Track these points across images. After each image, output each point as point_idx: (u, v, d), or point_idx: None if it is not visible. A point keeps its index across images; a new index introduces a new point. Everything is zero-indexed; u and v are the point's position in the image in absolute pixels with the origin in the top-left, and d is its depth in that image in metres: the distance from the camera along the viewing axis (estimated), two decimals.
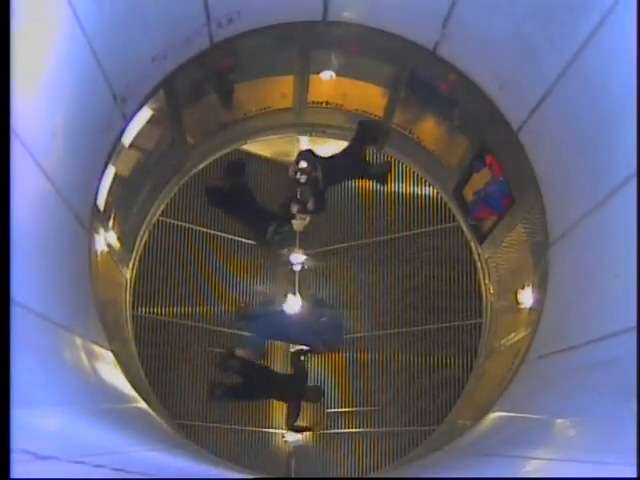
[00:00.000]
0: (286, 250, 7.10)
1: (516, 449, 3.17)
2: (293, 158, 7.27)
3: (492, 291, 5.95)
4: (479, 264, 6.11)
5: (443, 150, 6.00)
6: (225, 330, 6.79)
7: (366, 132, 6.19)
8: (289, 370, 6.61)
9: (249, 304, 6.88)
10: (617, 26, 2.84)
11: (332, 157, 6.37)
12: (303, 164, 6.18)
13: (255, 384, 6.24)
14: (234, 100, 5.93)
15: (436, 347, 6.66)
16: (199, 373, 6.67)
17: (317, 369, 7.05)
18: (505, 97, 4.35)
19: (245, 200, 6.49)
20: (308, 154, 6.33)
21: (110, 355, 4.08)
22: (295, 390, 6.34)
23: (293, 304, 7.01)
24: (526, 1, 3.45)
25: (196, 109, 5.58)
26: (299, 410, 6.37)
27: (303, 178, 6.21)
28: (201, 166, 6.35)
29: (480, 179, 5.52)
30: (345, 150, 6.36)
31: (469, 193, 5.86)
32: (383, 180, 6.81)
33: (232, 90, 5.80)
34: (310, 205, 6.47)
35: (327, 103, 6.15)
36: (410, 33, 4.58)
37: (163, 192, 6.09)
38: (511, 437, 3.65)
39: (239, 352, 6.32)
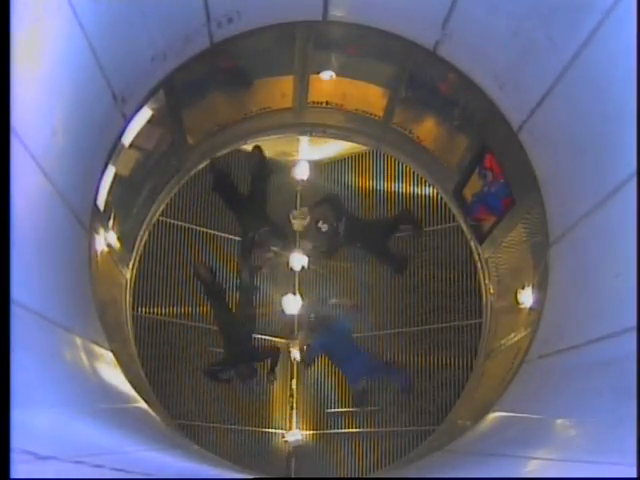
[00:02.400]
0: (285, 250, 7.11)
1: (516, 449, 3.17)
2: (293, 158, 7.32)
3: (492, 291, 5.95)
4: (479, 264, 6.10)
5: (443, 150, 6.00)
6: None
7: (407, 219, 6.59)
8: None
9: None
10: (617, 26, 2.84)
11: (358, 219, 6.64)
12: (322, 224, 6.39)
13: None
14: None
15: (436, 347, 6.66)
16: (199, 373, 6.67)
17: (317, 369, 7.05)
18: (505, 97, 4.34)
19: (257, 201, 6.51)
20: (334, 201, 6.57)
21: (110, 355, 4.07)
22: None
23: (293, 304, 7.02)
24: (526, 1, 3.45)
25: (196, 109, 5.58)
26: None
27: (324, 227, 6.37)
28: (201, 166, 6.35)
29: (483, 181, 5.52)
30: (376, 223, 6.71)
31: (469, 193, 5.85)
32: (397, 271, 6.85)
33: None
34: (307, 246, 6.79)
35: (327, 103, 6.15)
36: (410, 33, 4.58)
37: (163, 192, 6.08)
38: (511, 437, 3.65)
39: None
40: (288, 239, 6.90)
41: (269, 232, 6.57)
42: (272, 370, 6.59)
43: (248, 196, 6.63)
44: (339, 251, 6.92)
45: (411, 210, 6.80)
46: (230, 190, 6.60)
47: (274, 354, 6.62)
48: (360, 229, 6.62)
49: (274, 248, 6.82)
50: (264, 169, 6.61)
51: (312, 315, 6.56)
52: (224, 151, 6.44)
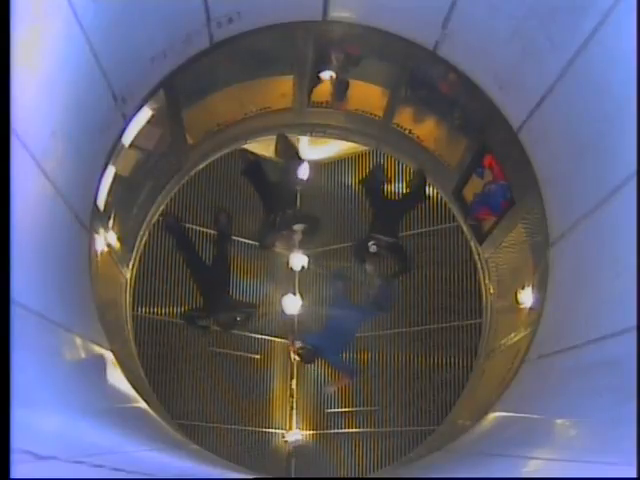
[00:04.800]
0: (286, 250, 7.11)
1: (516, 449, 3.17)
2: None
3: (492, 291, 5.95)
4: (479, 264, 6.10)
5: (443, 150, 6.00)
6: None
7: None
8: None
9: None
10: (617, 26, 2.84)
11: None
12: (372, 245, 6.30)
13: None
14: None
15: (436, 347, 6.67)
16: (199, 373, 6.67)
17: (317, 369, 7.05)
18: (505, 97, 4.34)
19: (285, 185, 6.55)
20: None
21: (110, 355, 4.07)
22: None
23: (293, 304, 7.03)
24: (526, 1, 3.45)
25: (196, 109, 5.59)
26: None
27: (374, 249, 6.30)
28: (201, 166, 6.35)
29: (480, 180, 5.52)
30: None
31: (469, 193, 5.86)
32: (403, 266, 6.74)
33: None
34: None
35: (327, 103, 6.15)
36: (410, 33, 4.58)
37: (163, 192, 6.08)
38: (511, 437, 3.65)
39: None
40: (315, 223, 6.82)
41: (293, 215, 6.55)
42: (243, 324, 6.51)
43: (277, 181, 6.58)
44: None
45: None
46: (260, 174, 6.55)
47: (250, 309, 6.54)
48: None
49: (298, 227, 6.71)
50: (290, 151, 6.61)
51: (300, 345, 6.32)
52: (224, 151, 6.44)
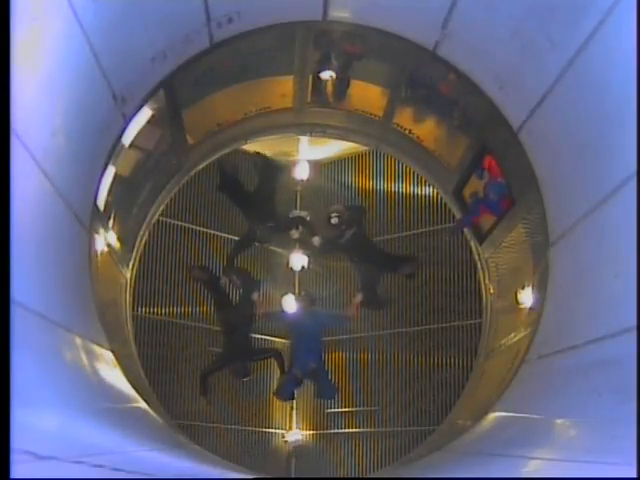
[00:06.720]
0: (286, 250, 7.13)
1: (516, 449, 3.17)
2: (293, 158, 7.33)
3: (492, 291, 5.95)
4: (479, 264, 6.10)
5: (443, 150, 6.00)
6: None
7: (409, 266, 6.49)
8: None
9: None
10: (617, 26, 2.84)
11: (366, 238, 6.59)
12: (335, 220, 6.39)
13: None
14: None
15: (436, 347, 6.67)
16: (199, 373, 6.67)
17: None
18: (505, 97, 4.34)
19: (263, 197, 6.55)
20: (357, 211, 6.59)
21: (110, 355, 4.07)
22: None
23: (293, 304, 7.01)
24: (526, 1, 3.45)
25: (196, 109, 5.59)
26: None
27: (335, 221, 6.38)
28: (201, 166, 6.35)
29: (480, 181, 5.53)
30: (380, 253, 6.63)
31: (469, 193, 5.86)
32: (371, 307, 6.80)
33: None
34: (315, 242, 6.67)
35: (327, 103, 6.15)
36: (410, 33, 4.58)
37: (163, 192, 6.08)
38: (511, 437, 3.65)
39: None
40: (291, 234, 6.92)
41: (273, 228, 6.60)
42: (282, 372, 6.51)
43: (254, 192, 6.60)
44: (332, 254, 6.95)
45: (418, 259, 6.77)
46: (236, 188, 6.57)
47: (276, 356, 6.59)
48: (362, 248, 6.57)
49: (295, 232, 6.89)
50: (270, 169, 6.62)
51: (303, 293, 6.57)
52: (224, 151, 6.44)
